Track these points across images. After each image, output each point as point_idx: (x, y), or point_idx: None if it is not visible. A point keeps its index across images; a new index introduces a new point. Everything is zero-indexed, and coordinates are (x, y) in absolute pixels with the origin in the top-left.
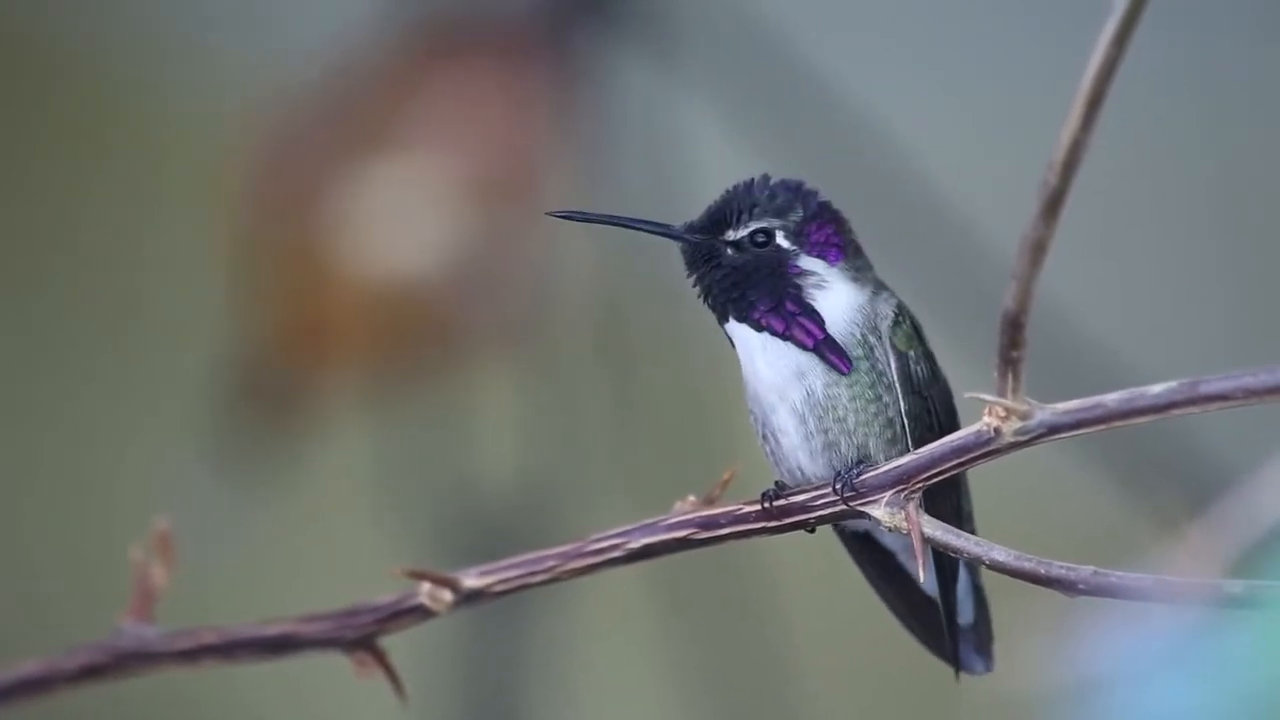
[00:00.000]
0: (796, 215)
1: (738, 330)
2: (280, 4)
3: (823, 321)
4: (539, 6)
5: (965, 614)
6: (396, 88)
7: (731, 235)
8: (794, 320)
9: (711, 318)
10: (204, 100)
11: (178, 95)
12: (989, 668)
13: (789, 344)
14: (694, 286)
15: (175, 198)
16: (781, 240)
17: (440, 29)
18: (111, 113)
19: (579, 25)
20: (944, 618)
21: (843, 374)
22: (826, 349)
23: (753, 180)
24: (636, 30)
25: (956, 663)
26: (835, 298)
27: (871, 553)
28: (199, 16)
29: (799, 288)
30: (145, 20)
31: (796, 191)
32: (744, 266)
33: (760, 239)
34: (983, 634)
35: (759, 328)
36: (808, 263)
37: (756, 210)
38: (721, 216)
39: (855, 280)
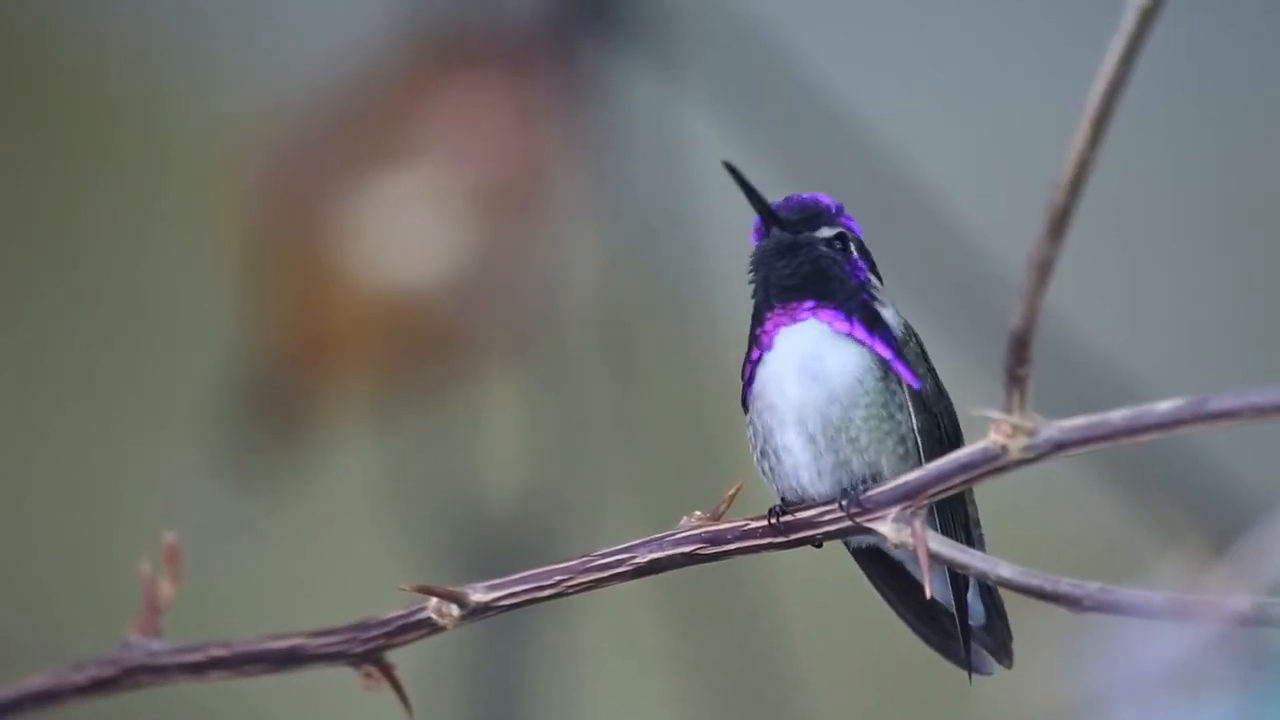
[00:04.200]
0: (851, 228)
1: (790, 333)
2: (287, 13)
3: (895, 337)
4: (545, 17)
5: (976, 615)
6: (403, 98)
7: (826, 233)
8: (876, 329)
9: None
10: (210, 108)
11: (183, 103)
12: (1008, 665)
13: (850, 354)
14: (779, 272)
15: (181, 206)
16: (854, 251)
17: (446, 39)
18: (115, 120)
19: (585, 35)
20: (959, 623)
21: (915, 390)
22: (900, 364)
23: (811, 193)
24: (642, 40)
25: (969, 666)
26: (888, 313)
27: (878, 560)
28: (205, 25)
29: (873, 298)
30: (151, 28)
31: (841, 207)
32: (838, 262)
33: (839, 244)
34: (998, 633)
35: (843, 323)
36: (871, 277)
37: (830, 215)
38: (810, 214)
39: (890, 299)
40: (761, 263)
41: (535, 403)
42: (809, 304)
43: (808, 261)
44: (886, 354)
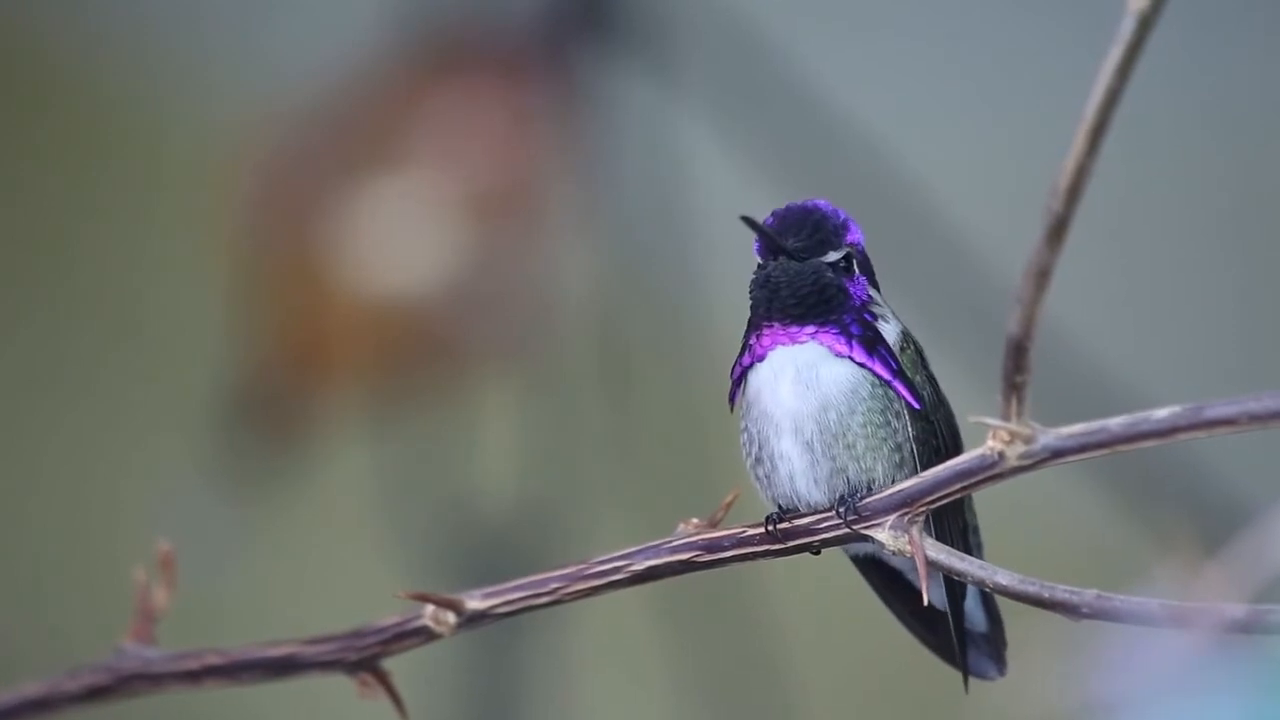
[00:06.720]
0: (855, 241)
1: (787, 351)
2: (281, 20)
3: (896, 355)
4: (539, 23)
5: (977, 622)
6: (397, 104)
7: (833, 256)
8: (876, 351)
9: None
10: (205, 114)
11: (178, 110)
12: (1002, 673)
13: (845, 368)
14: (782, 298)
15: (175, 214)
16: (856, 268)
17: (440, 45)
18: (110, 128)
19: (578, 41)
20: (954, 630)
21: (916, 410)
22: (900, 383)
23: (815, 203)
24: (636, 46)
25: (965, 673)
26: (889, 327)
27: (880, 568)
28: (200, 31)
29: (874, 316)
30: (146, 37)
31: (846, 217)
32: (842, 287)
33: (844, 264)
34: (996, 640)
35: (843, 346)
36: (872, 291)
37: (838, 235)
38: (819, 240)
39: (890, 308)
40: (764, 286)
41: (531, 409)
42: (810, 328)
43: (812, 289)
44: (885, 375)
